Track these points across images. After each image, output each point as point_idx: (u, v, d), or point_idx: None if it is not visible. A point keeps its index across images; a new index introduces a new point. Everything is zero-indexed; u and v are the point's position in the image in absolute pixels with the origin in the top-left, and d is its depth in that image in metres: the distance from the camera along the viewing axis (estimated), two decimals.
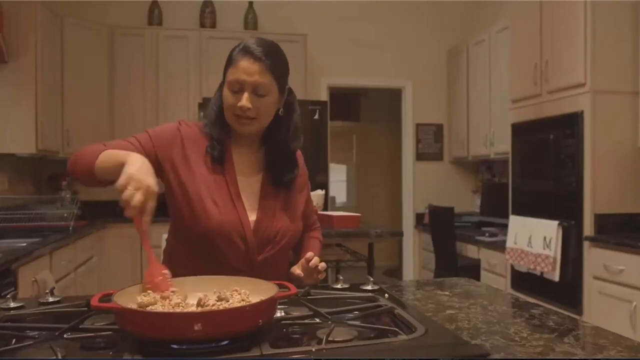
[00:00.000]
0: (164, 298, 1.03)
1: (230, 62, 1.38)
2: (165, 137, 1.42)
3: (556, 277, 3.34)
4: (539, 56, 3.63)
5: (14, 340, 0.97)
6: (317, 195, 3.05)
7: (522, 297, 1.50)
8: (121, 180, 1.10)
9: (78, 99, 4.40)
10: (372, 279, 1.40)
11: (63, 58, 4.30)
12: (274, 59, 1.37)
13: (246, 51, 1.35)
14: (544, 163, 3.59)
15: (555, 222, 3.36)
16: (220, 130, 1.43)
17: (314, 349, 0.88)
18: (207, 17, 4.97)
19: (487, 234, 4.39)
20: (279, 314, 1.07)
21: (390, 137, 7.34)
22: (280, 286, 1.06)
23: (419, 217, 5.58)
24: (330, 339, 0.91)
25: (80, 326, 0.99)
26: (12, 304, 1.20)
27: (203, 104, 4.33)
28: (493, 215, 4.78)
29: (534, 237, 3.52)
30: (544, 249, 3.41)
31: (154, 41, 4.73)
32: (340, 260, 3.27)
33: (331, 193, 5.45)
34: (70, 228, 3.54)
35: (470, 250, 4.51)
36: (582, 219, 3.23)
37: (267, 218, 1.43)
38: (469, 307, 1.26)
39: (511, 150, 4.02)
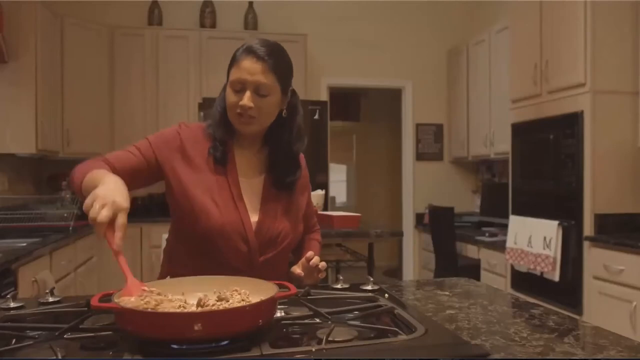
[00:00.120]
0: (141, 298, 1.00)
1: (233, 61, 1.38)
2: (165, 141, 1.43)
3: (556, 277, 3.34)
4: (539, 56, 3.63)
5: (14, 340, 0.97)
6: (317, 195, 3.05)
7: (522, 297, 1.50)
8: (87, 200, 1.08)
9: (78, 99, 4.40)
10: (372, 279, 1.40)
11: (63, 58, 4.30)
12: (277, 60, 1.37)
13: (249, 51, 1.35)
14: (544, 163, 3.59)
15: (555, 222, 3.36)
16: (223, 131, 1.43)
17: (314, 349, 0.88)
18: (207, 17, 4.97)
19: (487, 234, 4.39)
20: (279, 314, 1.07)
21: (390, 137, 7.34)
22: (280, 286, 1.06)
23: (419, 217, 5.58)
24: (330, 339, 0.91)
25: (80, 326, 0.99)
26: (12, 304, 1.20)
27: (203, 104, 4.33)
28: (493, 215, 4.78)
29: (534, 237, 3.52)
30: (544, 249, 3.41)
31: (154, 41, 4.73)
32: (340, 260, 3.27)
33: (331, 193, 5.45)
34: (70, 228, 3.54)
35: (470, 250, 4.51)
36: (582, 219, 3.23)
37: (269, 220, 1.42)
38: (469, 307, 1.26)
39: (511, 150, 4.02)
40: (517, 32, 3.96)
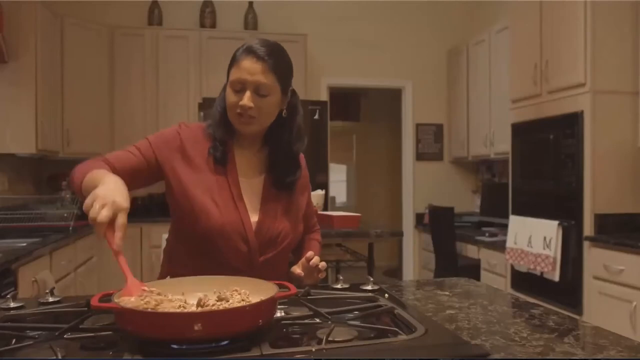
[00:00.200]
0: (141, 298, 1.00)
1: (233, 61, 1.38)
2: (165, 141, 1.43)
3: (556, 277, 3.34)
4: (539, 56, 3.63)
5: (14, 340, 0.97)
6: (317, 195, 3.05)
7: (522, 297, 1.50)
8: (87, 200, 1.08)
9: (78, 99, 4.40)
10: (372, 279, 1.40)
11: (63, 58, 4.30)
12: (277, 60, 1.37)
13: (249, 51, 1.35)
14: (544, 163, 3.59)
15: (555, 222, 3.36)
16: (223, 131, 1.43)
17: (314, 349, 0.88)
18: (207, 17, 4.97)
19: (487, 234, 4.39)
20: (279, 314, 1.07)
21: (390, 137, 7.34)
22: (280, 286, 1.06)
23: (419, 217, 5.58)
24: (330, 339, 0.91)
25: (80, 326, 0.99)
26: (12, 304, 1.20)
27: (203, 104, 4.33)
28: (493, 215, 4.78)
29: (534, 237, 3.52)
30: (544, 249, 3.41)
31: (154, 41, 4.73)
32: (340, 260, 3.27)
33: (331, 193, 5.45)
34: (70, 228, 3.54)
35: (470, 250, 4.51)
36: (582, 219, 3.23)
37: (269, 219, 1.43)
38: (469, 307, 1.26)
39: (511, 150, 4.02)
40: (517, 32, 3.96)
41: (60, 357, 0.85)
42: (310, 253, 1.38)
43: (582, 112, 3.24)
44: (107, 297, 1.00)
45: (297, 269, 1.41)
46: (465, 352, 0.91)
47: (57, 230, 3.41)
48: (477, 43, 4.99)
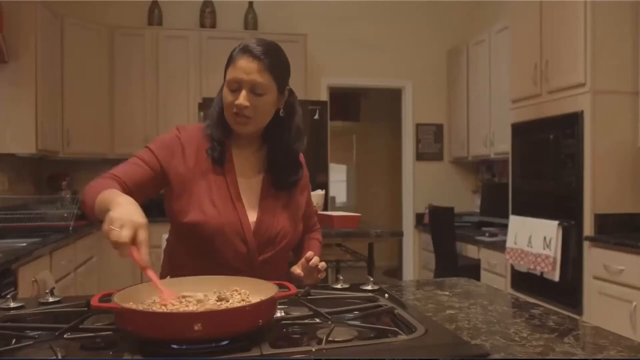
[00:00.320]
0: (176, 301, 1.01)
1: (230, 61, 1.38)
2: (165, 146, 1.42)
3: (556, 277, 3.34)
4: (539, 56, 3.63)
5: (14, 340, 0.97)
6: (317, 195, 3.05)
7: (522, 297, 1.50)
8: (104, 227, 1.08)
9: (78, 99, 4.40)
10: (372, 279, 1.40)
11: (63, 58, 4.30)
12: (273, 59, 1.36)
13: (245, 50, 1.35)
14: (544, 163, 3.59)
15: (555, 222, 3.36)
16: (221, 131, 1.43)
17: (314, 349, 0.88)
18: (207, 17, 4.97)
19: (487, 234, 4.39)
20: (279, 314, 1.07)
21: (390, 137, 7.34)
22: (280, 286, 1.06)
23: (419, 217, 5.58)
24: (330, 339, 0.91)
25: (80, 326, 0.99)
26: (12, 304, 1.20)
27: (203, 104, 4.33)
28: (493, 215, 4.78)
29: (534, 237, 3.52)
30: (544, 249, 3.41)
31: (154, 41, 4.73)
32: (340, 260, 3.27)
33: (331, 193, 5.45)
34: (70, 228, 3.54)
35: (470, 250, 4.51)
36: (582, 219, 3.23)
37: (267, 219, 1.43)
38: (469, 307, 1.26)
39: (511, 150, 4.02)
40: (517, 32, 3.96)
41: (60, 357, 0.85)
42: (310, 253, 1.38)
43: (582, 112, 3.24)
44: (107, 297, 1.00)
45: (297, 269, 1.41)
46: (465, 352, 0.91)
47: (57, 230, 3.41)
48: (477, 43, 4.99)
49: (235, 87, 1.35)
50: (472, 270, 4.23)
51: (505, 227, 4.00)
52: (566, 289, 3.33)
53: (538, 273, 3.48)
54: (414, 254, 5.61)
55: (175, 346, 0.90)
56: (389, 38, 5.51)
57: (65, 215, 3.66)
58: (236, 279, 1.13)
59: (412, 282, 1.74)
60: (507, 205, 4.08)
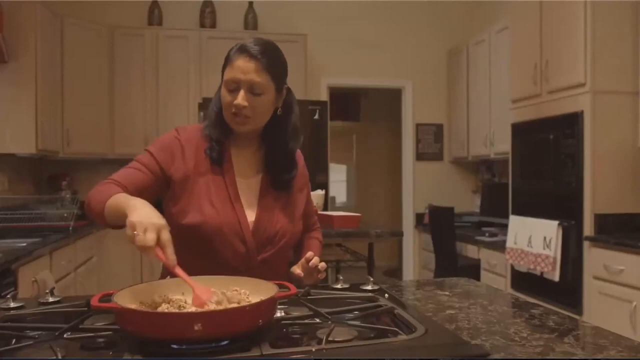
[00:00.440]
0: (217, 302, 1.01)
1: (227, 61, 1.38)
2: (167, 149, 1.42)
3: (556, 277, 3.34)
4: (539, 56, 3.63)
5: (14, 340, 0.97)
6: (317, 195, 3.05)
7: (522, 297, 1.50)
8: (127, 232, 1.09)
9: (78, 99, 4.40)
10: (372, 279, 1.40)
11: (63, 58, 4.30)
12: (271, 58, 1.36)
13: (242, 50, 1.35)
14: (544, 163, 3.59)
15: (555, 222, 3.36)
16: (219, 131, 1.43)
17: (314, 349, 0.88)
18: (207, 17, 4.97)
19: (487, 234, 4.39)
20: (279, 314, 1.07)
21: (390, 137, 7.34)
22: (280, 286, 1.06)
23: (419, 217, 5.58)
24: (330, 339, 0.91)
25: (80, 326, 0.99)
26: (12, 304, 1.20)
27: (203, 104, 4.33)
28: (493, 215, 4.78)
29: (534, 237, 3.52)
30: (544, 249, 3.41)
31: (154, 41, 4.73)
32: (340, 260, 3.27)
33: (331, 193, 5.45)
34: (70, 228, 3.54)
35: (470, 250, 4.51)
36: (582, 219, 3.23)
37: (266, 218, 1.42)
38: (469, 307, 1.26)
39: (511, 150, 4.02)
40: (517, 32, 3.96)
41: (60, 357, 0.85)
42: (309, 253, 1.38)
43: (582, 112, 3.24)
44: (107, 297, 1.00)
45: (297, 269, 1.41)
46: (465, 352, 0.91)
47: (57, 230, 3.41)
48: (477, 43, 4.99)
49: (233, 87, 1.35)
50: (472, 270, 4.23)
51: (505, 227, 4.00)
52: (566, 289, 3.33)
53: (538, 273, 3.48)
54: (414, 254, 5.61)
55: (175, 346, 0.90)
56: (389, 38, 5.51)
57: (65, 215, 3.66)
58: (236, 279, 1.13)
59: (412, 282, 1.74)
60: (507, 205, 4.08)
